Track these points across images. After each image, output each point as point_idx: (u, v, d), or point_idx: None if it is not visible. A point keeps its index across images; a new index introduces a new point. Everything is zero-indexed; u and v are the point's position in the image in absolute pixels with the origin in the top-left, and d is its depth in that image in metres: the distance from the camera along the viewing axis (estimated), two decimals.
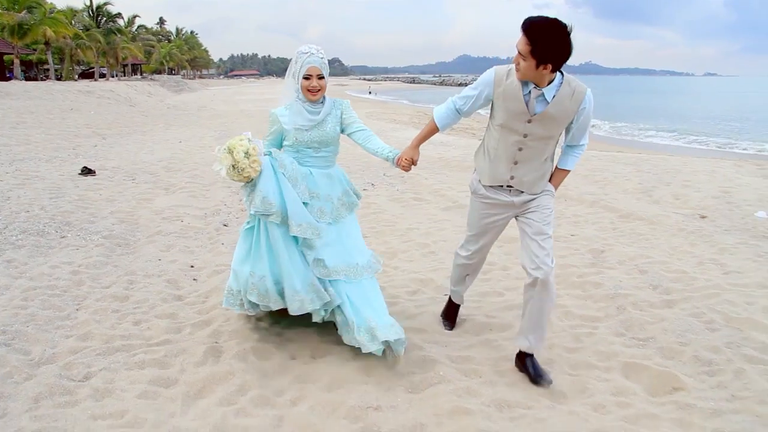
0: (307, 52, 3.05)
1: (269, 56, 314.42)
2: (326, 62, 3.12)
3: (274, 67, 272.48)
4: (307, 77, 3.06)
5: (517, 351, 3.05)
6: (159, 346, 3.28)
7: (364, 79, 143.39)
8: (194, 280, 4.36)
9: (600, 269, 4.55)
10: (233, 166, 2.92)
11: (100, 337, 3.36)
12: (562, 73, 2.68)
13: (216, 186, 7.73)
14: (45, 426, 2.53)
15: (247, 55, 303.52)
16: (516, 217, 3.02)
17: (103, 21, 49.10)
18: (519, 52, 2.56)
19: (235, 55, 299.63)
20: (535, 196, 2.93)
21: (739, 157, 15.04)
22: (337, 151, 3.32)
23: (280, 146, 3.29)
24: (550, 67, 2.52)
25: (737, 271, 4.56)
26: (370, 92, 52.42)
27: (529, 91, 2.68)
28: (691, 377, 3.02)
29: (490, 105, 2.89)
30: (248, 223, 3.23)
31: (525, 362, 3.00)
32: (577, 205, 6.99)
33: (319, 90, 3.09)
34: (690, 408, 2.75)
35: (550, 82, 2.65)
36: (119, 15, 51.83)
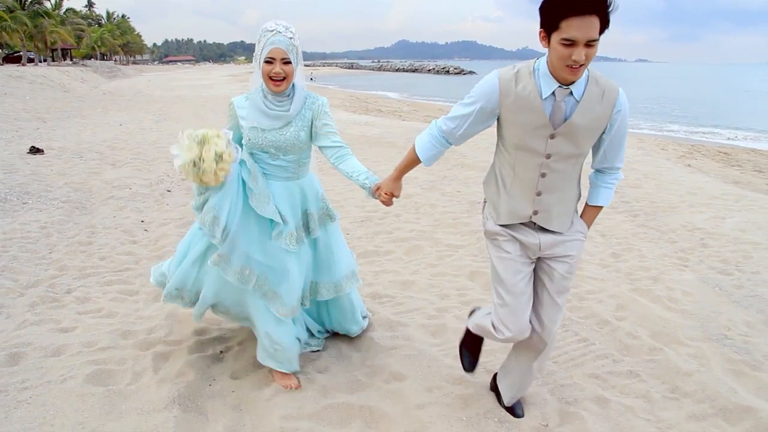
0: (272, 30, 2.46)
1: (205, 41, 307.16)
2: (297, 44, 2.52)
3: (210, 53, 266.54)
4: (268, 61, 2.46)
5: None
6: (122, 272, 4.26)
7: (303, 65, 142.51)
8: (145, 230, 5.31)
9: (471, 214, 5.80)
10: (194, 162, 2.38)
11: (74, 268, 4.31)
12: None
13: (158, 161, 8.57)
14: (43, 318, 3.49)
15: (182, 40, 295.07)
16: (538, 266, 2.35)
17: (28, 3, 47.40)
18: (588, 43, 1.86)
19: (170, 40, 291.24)
20: (563, 240, 2.25)
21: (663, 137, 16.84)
22: (303, 160, 2.74)
23: (240, 144, 2.71)
24: None
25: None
26: (311, 78, 52.97)
27: (553, 92, 2.00)
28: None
29: (497, 123, 2.21)
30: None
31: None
32: (469, 171, 8.24)
33: (284, 78, 2.49)
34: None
35: None
36: None
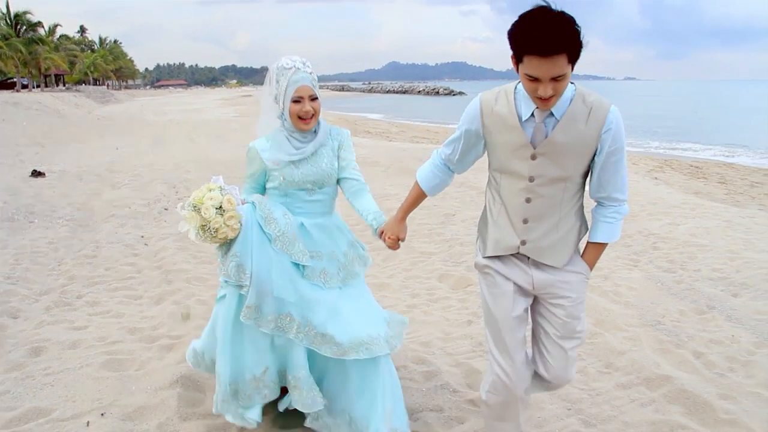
0: (291, 68, 2.40)
1: (197, 65, 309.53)
2: (316, 78, 2.49)
3: (202, 77, 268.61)
4: (297, 100, 2.40)
5: None
6: (127, 280, 4.72)
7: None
8: (145, 244, 5.77)
9: (446, 225, 6.31)
10: (203, 227, 2.30)
11: (82, 278, 4.76)
12: (571, 82, 1.94)
13: (155, 182, 9.05)
14: (58, 319, 3.94)
15: (174, 64, 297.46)
16: (534, 307, 2.21)
17: (23, 30, 48.20)
18: (553, 79, 1.79)
19: (162, 64, 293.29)
20: (560, 279, 2.10)
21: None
22: (335, 193, 2.65)
23: (263, 191, 2.63)
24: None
25: None
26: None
27: (532, 113, 1.95)
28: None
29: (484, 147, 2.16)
30: (222, 287, 2.55)
31: None
32: (447, 187, 8.77)
33: (313, 116, 2.45)
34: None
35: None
36: (40, 24, 50.93)
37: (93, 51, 79.65)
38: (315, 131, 2.54)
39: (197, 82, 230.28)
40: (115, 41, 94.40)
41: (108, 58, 78.02)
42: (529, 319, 2.24)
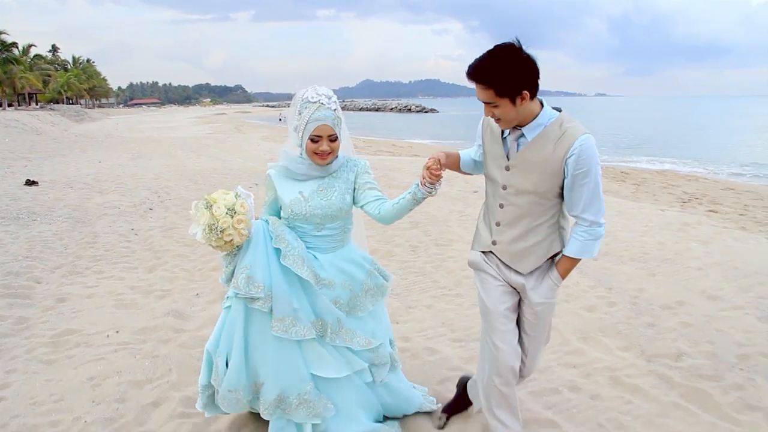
0: (315, 102, 2.37)
1: (170, 84, 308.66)
2: (340, 114, 2.44)
3: (176, 95, 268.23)
4: (314, 140, 2.39)
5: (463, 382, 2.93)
6: (124, 257, 5.91)
7: (268, 106, 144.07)
8: (136, 234, 6.94)
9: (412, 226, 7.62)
10: (211, 225, 2.28)
11: (87, 257, 5.93)
12: (558, 110, 2.23)
13: (138, 189, 10.22)
14: (74, 282, 5.11)
15: (147, 83, 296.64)
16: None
17: None
18: (487, 103, 2.12)
19: (135, 83, 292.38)
20: (531, 285, 2.35)
21: None
22: (348, 226, 2.62)
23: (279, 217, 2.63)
24: (527, 94, 2.08)
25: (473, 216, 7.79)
26: (280, 119, 54.78)
27: (509, 131, 2.24)
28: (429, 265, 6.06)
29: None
30: (228, 298, 2.54)
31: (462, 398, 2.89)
32: (393, 189, 10.09)
33: (330, 153, 2.43)
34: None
35: (533, 119, 2.18)
36: (14, 44, 51.48)
37: (66, 70, 79.93)
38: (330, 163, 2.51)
39: (171, 101, 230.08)
40: (88, 60, 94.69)
41: (82, 77, 78.43)
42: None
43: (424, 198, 2.36)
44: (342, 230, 2.58)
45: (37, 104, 61.18)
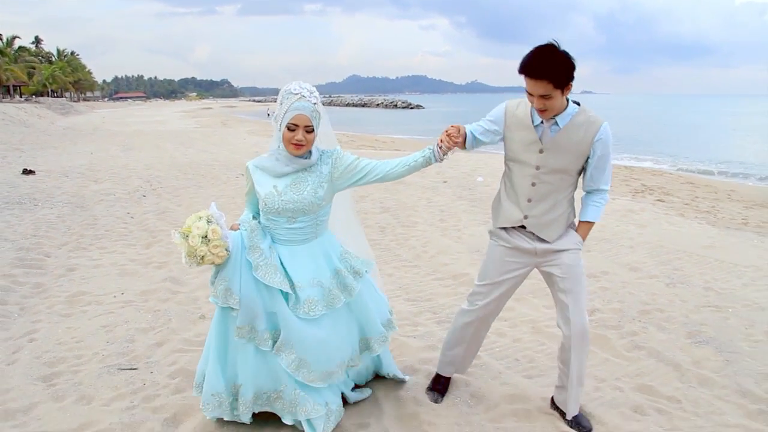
0: (297, 93, 2.48)
1: (155, 78, 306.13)
2: (320, 109, 2.55)
3: (161, 89, 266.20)
4: (291, 128, 2.48)
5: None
6: (123, 236, 6.59)
7: (254, 101, 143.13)
8: (132, 218, 7.62)
9: (395, 217, 8.37)
10: (191, 254, 2.42)
11: (89, 236, 6.61)
12: (577, 103, 2.56)
13: (131, 178, 10.86)
14: (80, 255, 5.79)
15: (133, 76, 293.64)
16: (540, 269, 2.79)
17: None
18: (541, 96, 2.38)
19: (120, 76, 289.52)
20: (558, 249, 2.68)
21: None
22: (321, 218, 2.69)
23: (258, 209, 2.76)
24: (572, 86, 2.41)
25: (448, 210, 8.55)
26: (268, 114, 55.03)
27: (541, 120, 2.54)
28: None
29: (503, 141, 2.70)
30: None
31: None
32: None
33: (304, 145, 2.51)
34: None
35: (564, 109, 2.51)
36: None
37: (51, 63, 79.57)
38: (306, 157, 2.60)
39: (156, 95, 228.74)
40: (73, 53, 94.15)
41: (66, 69, 78.13)
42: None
43: (434, 163, 2.61)
44: (314, 223, 2.66)
45: (21, 96, 61.00)
